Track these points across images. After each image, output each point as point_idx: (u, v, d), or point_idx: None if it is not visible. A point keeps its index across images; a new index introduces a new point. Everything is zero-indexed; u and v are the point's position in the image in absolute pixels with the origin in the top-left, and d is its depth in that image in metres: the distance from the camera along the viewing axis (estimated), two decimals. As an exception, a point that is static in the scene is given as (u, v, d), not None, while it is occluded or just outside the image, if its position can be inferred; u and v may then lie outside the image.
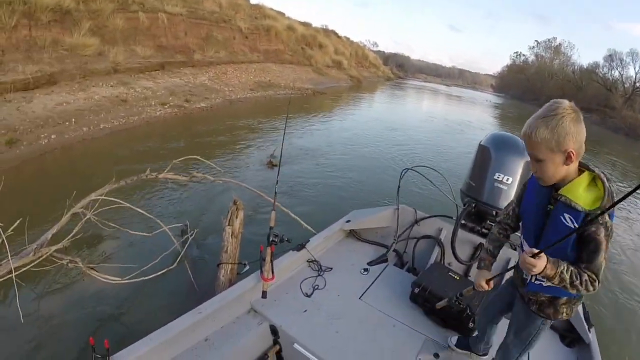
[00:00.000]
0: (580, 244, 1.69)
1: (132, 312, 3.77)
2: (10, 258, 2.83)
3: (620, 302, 5.60)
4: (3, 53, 9.76)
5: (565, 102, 1.64)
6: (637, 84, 47.48)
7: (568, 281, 1.67)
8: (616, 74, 50.67)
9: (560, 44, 67.08)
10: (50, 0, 11.73)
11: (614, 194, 1.64)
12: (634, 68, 48.48)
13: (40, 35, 11.14)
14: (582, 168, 1.73)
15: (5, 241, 2.79)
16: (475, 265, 3.54)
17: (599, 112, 45.25)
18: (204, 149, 9.22)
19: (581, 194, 1.68)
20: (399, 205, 4.11)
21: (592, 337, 2.89)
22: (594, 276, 1.68)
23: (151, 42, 16.02)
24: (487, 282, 2.13)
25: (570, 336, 3.04)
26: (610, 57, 50.73)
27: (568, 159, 1.65)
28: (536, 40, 79.44)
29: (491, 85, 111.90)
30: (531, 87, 65.18)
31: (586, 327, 2.92)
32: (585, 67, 57.78)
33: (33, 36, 10.92)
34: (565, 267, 1.66)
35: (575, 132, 1.61)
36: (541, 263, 1.62)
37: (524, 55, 77.06)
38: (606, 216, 1.61)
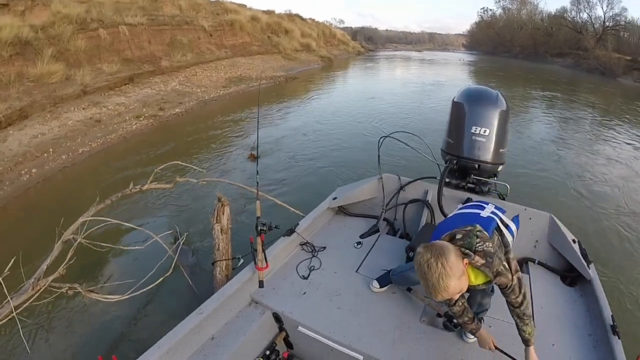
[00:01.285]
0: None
1: (138, 325, 3.84)
2: (10, 298, 2.85)
3: (617, 235, 5.68)
4: (-31, 96, 9.62)
5: (428, 254, 1.82)
6: (607, 23, 47.22)
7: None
8: (585, 15, 50.28)
9: (526, -5, 66.50)
10: (9, 34, 11.60)
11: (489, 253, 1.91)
12: (602, 8, 48.32)
13: (3, 71, 10.99)
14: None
15: (2, 283, 2.80)
16: None
17: (572, 56, 45.09)
18: (185, 153, 9.22)
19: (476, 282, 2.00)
20: (382, 174, 4.15)
21: (592, 273, 2.93)
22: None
23: (116, 57, 15.82)
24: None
25: (570, 275, 3.08)
26: (577, 0, 50.62)
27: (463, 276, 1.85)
28: (502, -7, 78.88)
29: (462, 44, 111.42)
30: (501, 40, 64.93)
31: (585, 264, 2.96)
32: (553, 13, 57.34)
33: (-3, 74, 10.77)
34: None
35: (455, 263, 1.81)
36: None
37: (490, 10, 76.91)
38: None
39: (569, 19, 51.64)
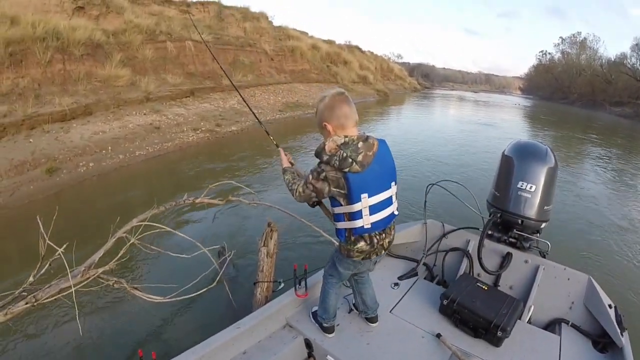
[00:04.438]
0: None
1: (175, 328, 3.97)
2: (69, 275, 3.00)
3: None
4: (40, 87, 10.24)
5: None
6: (669, 72, 46.05)
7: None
8: (645, 63, 49.17)
9: (585, 39, 65.40)
10: (82, 35, 12.28)
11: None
12: (664, 55, 47.17)
13: (74, 68, 11.65)
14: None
15: (64, 259, 2.98)
16: (504, 274, 3.56)
17: (631, 105, 43.87)
18: (238, 171, 9.41)
19: None
20: (427, 220, 4.16)
21: (625, 340, 2.84)
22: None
23: (180, 69, 16.46)
24: None
25: (602, 341, 2.99)
26: (638, 47, 49.30)
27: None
28: (561, 37, 78.45)
29: (519, 87, 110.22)
30: (559, 86, 63.94)
31: (619, 331, 2.86)
32: (612, 59, 56.26)
33: (67, 70, 11.42)
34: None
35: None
36: None
37: (549, 53, 75.73)
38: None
39: (629, 65, 50.45)
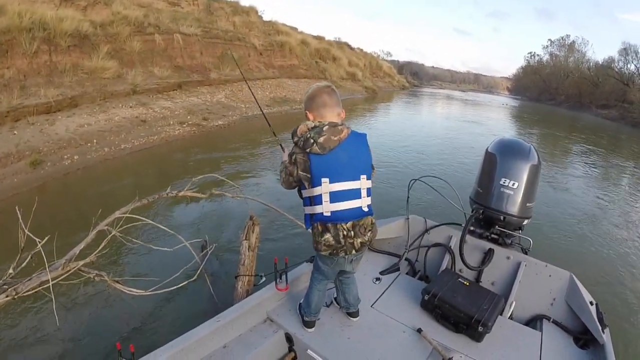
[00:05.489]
0: None
1: (156, 321, 3.96)
2: (47, 268, 2.99)
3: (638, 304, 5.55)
4: (25, 78, 10.11)
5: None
6: (655, 77, 46.66)
7: None
8: (632, 67, 49.76)
9: (574, 41, 66.03)
10: (69, 26, 12.11)
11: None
12: (650, 60, 47.75)
13: (60, 60, 11.51)
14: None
15: (43, 252, 2.96)
16: (486, 270, 3.59)
17: (617, 108, 44.34)
18: (223, 165, 9.40)
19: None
20: (409, 215, 4.17)
21: (606, 337, 2.87)
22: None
23: (168, 62, 16.35)
24: None
25: (584, 337, 3.02)
26: (625, 51, 49.85)
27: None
28: (549, 39, 78.42)
29: (507, 87, 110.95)
30: (547, 87, 64.50)
31: (600, 328, 2.90)
32: (600, 62, 56.85)
33: (53, 61, 11.28)
34: None
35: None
36: None
37: (538, 55, 76.29)
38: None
39: (616, 69, 50.98)
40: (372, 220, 2.40)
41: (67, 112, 10.11)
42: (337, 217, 2.27)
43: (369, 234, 2.40)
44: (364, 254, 2.55)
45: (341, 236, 2.29)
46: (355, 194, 2.30)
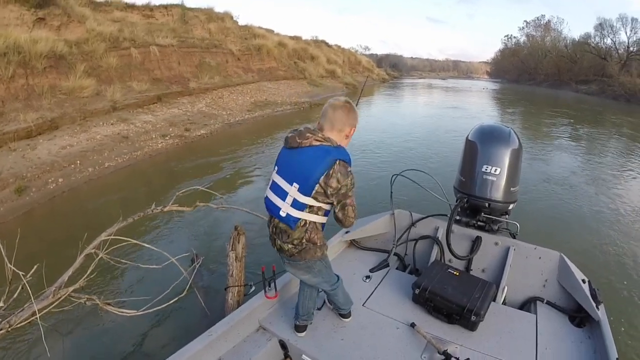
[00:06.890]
0: None
1: (149, 340, 3.99)
2: (33, 300, 2.97)
3: (629, 277, 5.59)
4: (3, 104, 10.03)
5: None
6: (631, 49, 46.98)
7: None
8: (608, 41, 50.47)
9: (549, 21, 67.04)
10: (44, 47, 12.04)
11: None
12: (625, 33, 48.27)
13: (37, 82, 11.43)
14: None
15: (27, 286, 2.94)
16: (475, 258, 3.62)
17: (597, 82, 44.94)
18: (207, 175, 9.40)
19: None
20: (394, 210, 4.19)
21: (601, 314, 2.88)
22: None
23: (146, 76, 16.30)
24: None
25: (579, 316, 3.05)
26: (601, 26, 50.56)
27: None
28: (525, 21, 78.96)
29: (486, 72, 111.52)
30: (526, 68, 64.99)
31: (594, 305, 2.92)
32: (577, 39, 57.42)
33: (30, 84, 11.20)
34: None
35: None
36: None
37: (514, 37, 77.37)
38: None
39: (593, 44, 51.58)
40: (294, 236, 2.37)
41: (48, 135, 10.04)
42: (266, 204, 2.46)
43: (289, 247, 2.41)
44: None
45: (270, 227, 2.51)
46: (282, 193, 2.34)
